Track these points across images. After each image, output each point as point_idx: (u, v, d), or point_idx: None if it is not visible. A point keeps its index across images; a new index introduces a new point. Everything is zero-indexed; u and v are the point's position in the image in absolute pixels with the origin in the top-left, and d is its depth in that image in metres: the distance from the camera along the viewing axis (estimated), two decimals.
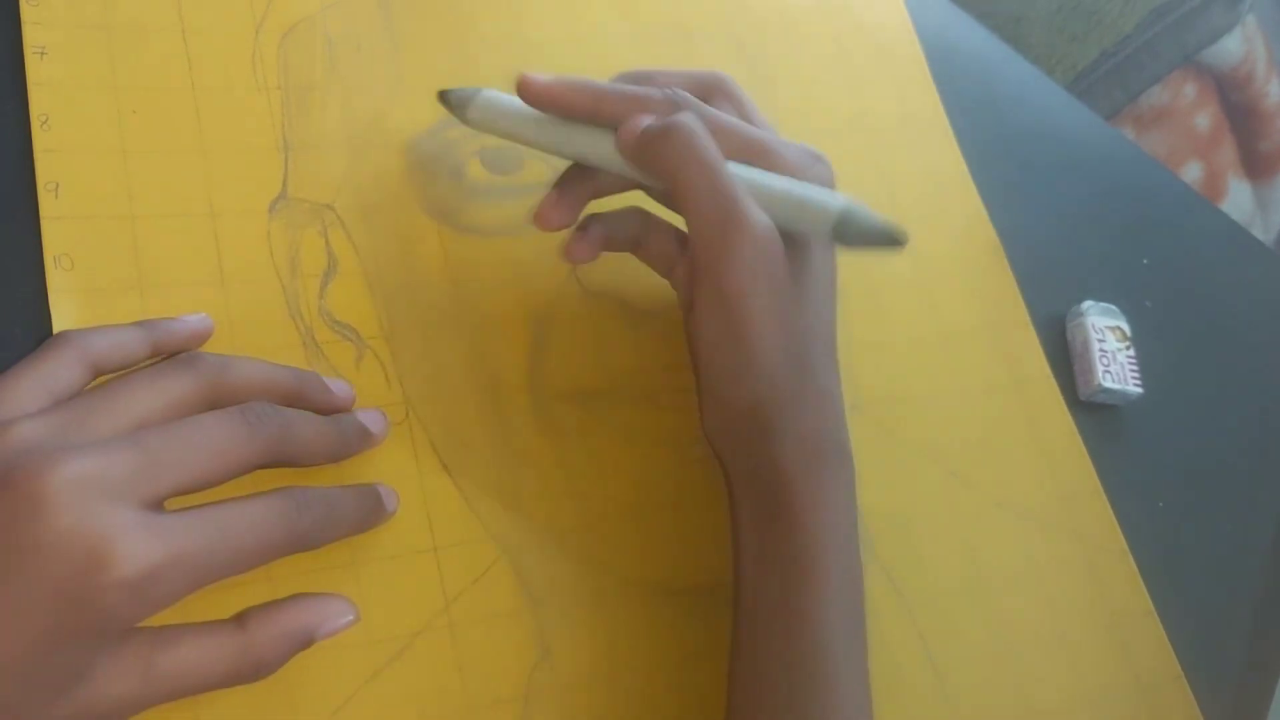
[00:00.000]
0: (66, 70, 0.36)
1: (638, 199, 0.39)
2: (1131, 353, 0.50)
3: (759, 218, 0.33)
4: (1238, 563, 0.49)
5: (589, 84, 0.36)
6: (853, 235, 0.34)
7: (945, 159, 0.53)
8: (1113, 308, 0.51)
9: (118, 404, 0.29)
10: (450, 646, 0.35)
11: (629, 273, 0.42)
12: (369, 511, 0.34)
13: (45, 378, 0.30)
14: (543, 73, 0.36)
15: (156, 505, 0.27)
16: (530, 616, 0.36)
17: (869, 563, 0.42)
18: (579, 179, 0.38)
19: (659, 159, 0.35)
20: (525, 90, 0.36)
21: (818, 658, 0.33)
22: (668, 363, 0.42)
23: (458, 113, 0.38)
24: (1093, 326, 0.50)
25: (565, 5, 0.47)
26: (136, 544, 0.25)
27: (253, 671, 0.29)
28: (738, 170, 0.35)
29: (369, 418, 0.35)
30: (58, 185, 0.35)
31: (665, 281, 0.39)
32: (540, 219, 0.38)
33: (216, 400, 0.30)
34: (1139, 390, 0.49)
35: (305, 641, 0.30)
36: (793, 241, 0.35)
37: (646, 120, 0.35)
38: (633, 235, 0.39)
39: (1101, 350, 0.49)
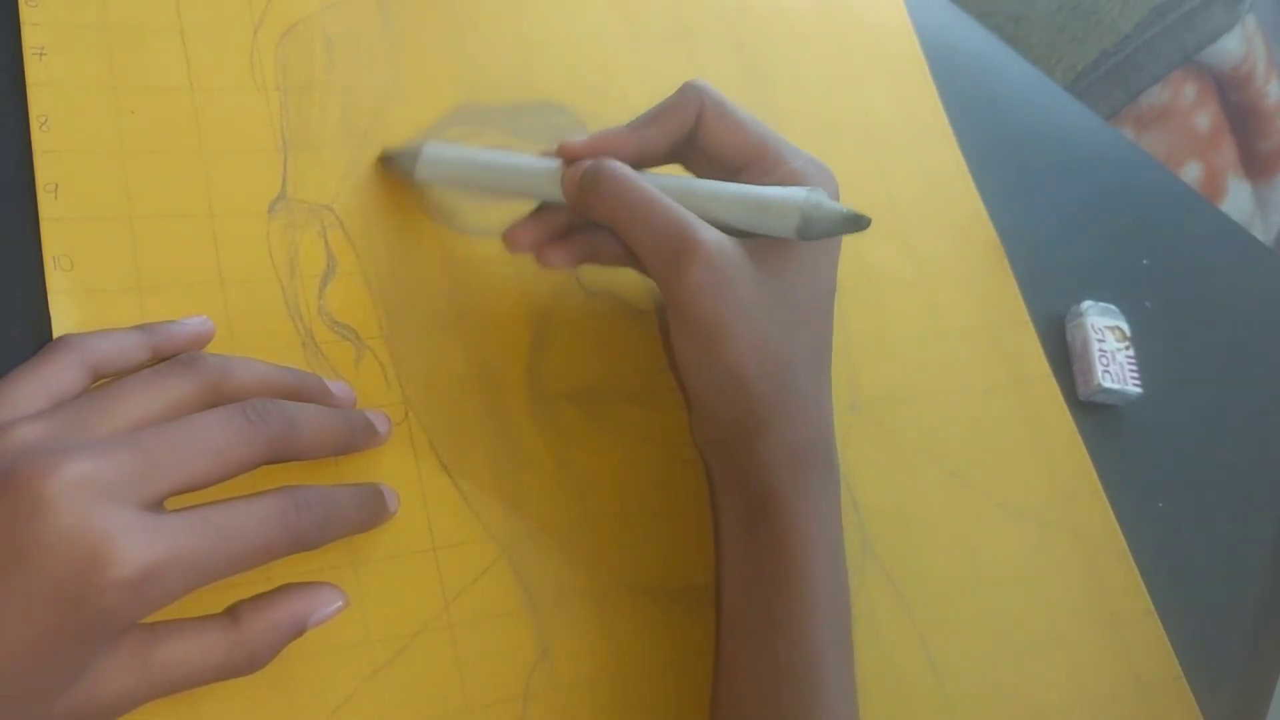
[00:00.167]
0: (66, 71, 0.36)
1: None
2: (1131, 353, 0.50)
3: (708, 235, 0.33)
4: (1238, 563, 0.50)
5: (618, 127, 0.37)
6: (818, 230, 0.33)
7: (945, 159, 0.53)
8: (1112, 308, 0.51)
9: (117, 405, 0.29)
10: (450, 646, 0.35)
11: (629, 273, 0.42)
12: (370, 511, 0.34)
13: (46, 381, 0.30)
14: (577, 137, 0.36)
15: (156, 505, 0.27)
16: (530, 616, 0.36)
17: (869, 563, 0.42)
18: (555, 209, 0.38)
19: (596, 205, 0.35)
20: (565, 155, 0.36)
21: (804, 666, 0.33)
22: (668, 363, 0.42)
23: (405, 173, 0.39)
24: (1092, 326, 0.50)
25: (565, 5, 0.47)
26: (136, 544, 0.25)
27: (247, 663, 0.29)
28: (697, 183, 0.35)
29: (374, 416, 0.35)
30: (57, 186, 0.35)
31: None
32: (510, 238, 0.38)
33: (216, 401, 0.30)
34: (1138, 390, 0.49)
35: (297, 631, 0.31)
36: (772, 245, 0.34)
37: (585, 165, 0.35)
38: (623, 248, 0.38)
39: (1101, 350, 0.49)
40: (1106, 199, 0.56)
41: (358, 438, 0.34)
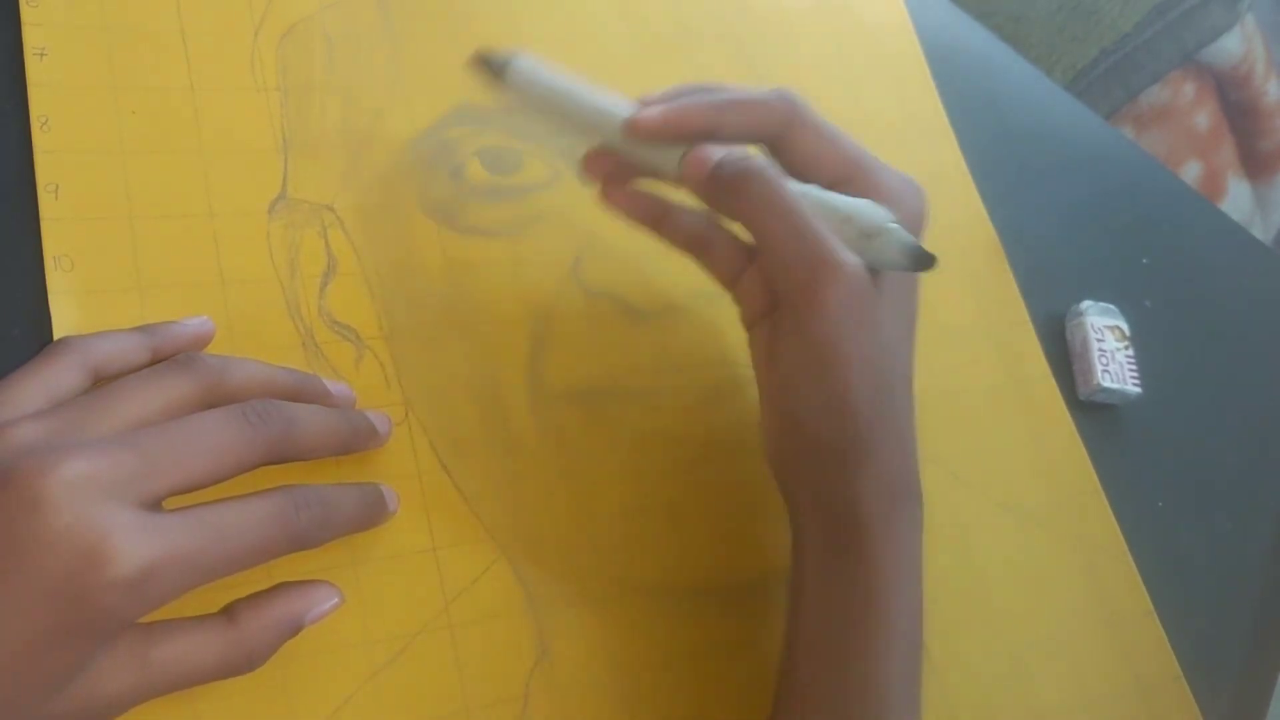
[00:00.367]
0: (66, 71, 0.36)
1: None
2: (1130, 352, 0.50)
3: (848, 259, 0.32)
4: (1237, 563, 0.50)
5: (700, 101, 0.35)
6: (878, 259, 0.33)
7: (945, 159, 0.53)
8: (1112, 307, 0.51)
9: (116, 405, 0.29)
10: (450, 646, 0.35)
11: (629, 273, 0.42)
12: (369, 510, 0.34)
13: (46, 382, 0.30)
14: (650, 109, 0.34)
15: (154, 505, 0.27)
16: (529, 616, 0.36)
17: None
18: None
19: (734, 202, 0.34)
20: (639, 130, 0.34)
21: (873, 700, 0.33)
22: (668, 363, 0.42)
23: (495, 79, 0.36)
24: (1092, 326, 0.50)
25: (565, 5, 0.47)
26: (134, 543, 0.25)
27: (245, 661, 0.29)
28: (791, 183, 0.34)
29: (374, 417, 0.35)
30: (57, 186, 0.35)
31: (665, 281, 0.39)
32: (590, 161, 0.37)
33: (215, 402, 0.30)
34: (1138, 390, 0.49)
35: (294, 629, 0.31)
36: (873, 275, 0.34)
37: (718, 154, 0.34)
38: (698, 235, 0.37)
39: (1101, 350, 0.49)
40: (1106, 199, 0.56)
41: (358, 438, 0.34)
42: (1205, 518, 0.50)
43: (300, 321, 0.37)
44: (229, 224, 0.37)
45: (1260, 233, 1.05)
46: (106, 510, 0.25)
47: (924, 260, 0.33)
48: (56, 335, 0.33)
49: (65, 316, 0.33)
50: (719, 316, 0.41)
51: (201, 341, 0.34)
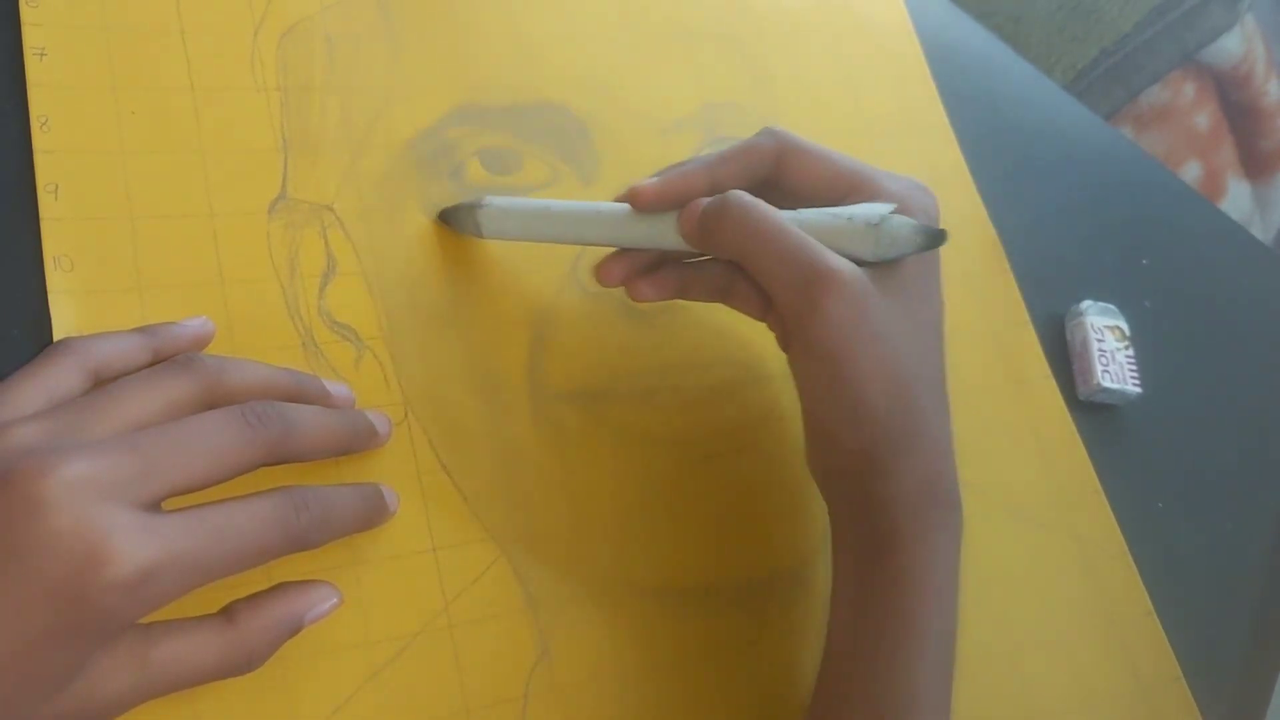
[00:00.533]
0: (66, 71, 0.36)
1: None
2: (1130, 352, 0.50)
3: (841, 265, 0.32)
4: (1237, 563, 0.50)
5: (693, 162, 0.37)
6: (892, 249, 0.33)
7: (945, 158, 0.53)
8: (1111, 307, 0.51)
9: (115, 406, 0.29)
10: (450, 646, 0.35)
11: None
12: (369, 511, 0.34)
13: (45, 383, 0.30)
14: (648, 180, 0.36)
15: (154, 506, 0.27)
16: (530, 616, 0.36)
17: None
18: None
19: (722, 237, 0.34)
20: (642, 201, 0.36)
21: (905, 709, 0.33)
22: (668, 363, 0.42)
23: (471, 230, 0.39)
24: (1092, 326, 0.50)
25: (565, 5, 0.47)
26: (133, 544, 0.25)
27: (245, 662, 0.29)
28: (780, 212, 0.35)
29: (374, 417, 0.35)
30: (57, 186, 0.35)
31: None
32: (603, 272, 0.39)
33: (214, 402, 0.30)
34: (1138, 390, 0.49)
35: (293, 629, 0.31)
36: (889, 271, 0.34)
37: (704, 202, 0.35)
38: (719, 285, 0.39)
39: (1100, 350, 0.49)
40: (1106, 199, 0.56)
41: (358, 439, 0.34)
42: (1205, 518, 0.50)
43: (300, 321, 0.37)
44: (229, 224, 0.37)
45: (1260, 233, 1.05)
46: (106, 511, 0.25)
47: (936, 237, 0.33)
48: (56, 336, 0.33)
49: (65, 317, 0.33)
50: (719, 317, 0.41)
51: (201, 342, 0.34)
